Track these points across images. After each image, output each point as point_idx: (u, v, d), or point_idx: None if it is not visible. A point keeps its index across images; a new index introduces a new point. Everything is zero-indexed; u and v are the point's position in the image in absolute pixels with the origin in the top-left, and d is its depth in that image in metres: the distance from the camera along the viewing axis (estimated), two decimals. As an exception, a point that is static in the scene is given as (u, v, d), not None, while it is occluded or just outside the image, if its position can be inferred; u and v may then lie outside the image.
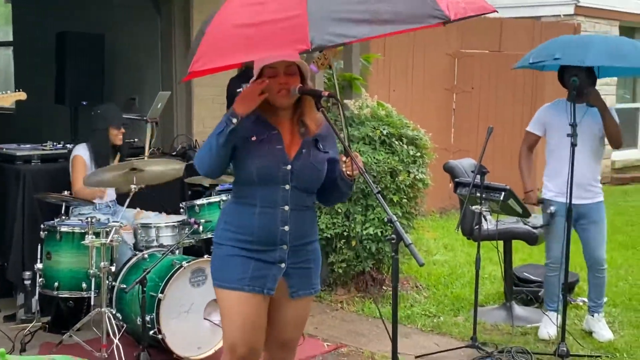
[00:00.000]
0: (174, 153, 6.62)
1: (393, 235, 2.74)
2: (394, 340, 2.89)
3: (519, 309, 5.50)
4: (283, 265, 3.08)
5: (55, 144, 5.74)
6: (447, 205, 9.86)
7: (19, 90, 4.99)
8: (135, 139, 6.19)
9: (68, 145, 5.79)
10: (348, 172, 3.02)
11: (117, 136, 5.29)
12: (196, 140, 6.82)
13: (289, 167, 3.04)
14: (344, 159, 3.02)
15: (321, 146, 3.14)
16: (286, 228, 3.05)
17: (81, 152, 5.18)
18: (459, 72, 10.24)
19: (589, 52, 4.69)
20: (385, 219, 2.76)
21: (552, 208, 4.90)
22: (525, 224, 5.29)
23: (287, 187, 3.04)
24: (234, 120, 2.91)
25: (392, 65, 9.06)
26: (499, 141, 10.03)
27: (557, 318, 5.02)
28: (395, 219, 2.75)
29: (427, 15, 2.77)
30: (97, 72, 7.34)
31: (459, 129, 10.23)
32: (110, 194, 5.30)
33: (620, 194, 11.16)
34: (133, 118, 6.17)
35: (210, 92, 7.12)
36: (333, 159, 3.16)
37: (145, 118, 6.19)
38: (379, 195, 2.83)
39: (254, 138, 3.01)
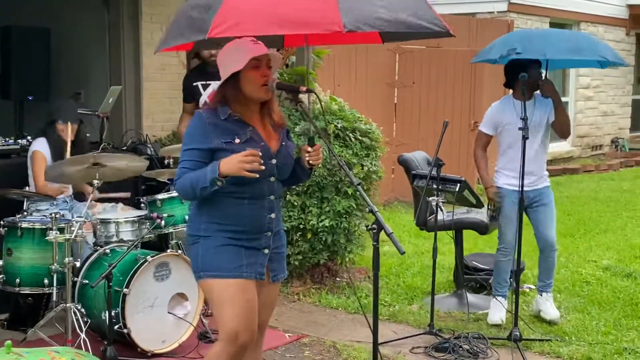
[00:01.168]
0: (124, 148, 6.59)
1: (374, 225, 2.86)
2: (375, 328, 2.99)
3: (470, 296, 5.68)
4: (267, 251, 3.22)
5: (7, 139, 5.65)
6: (390, 198, 10.05)
7: None
8: (88, 134, 6.12)
9: (20, 141, 5.71)
10: (311, 162, 3.16)
11: (63, 131, 5.21)
12: (147, 135, 6.80)
13: (274, 161, 3.15)
14: (308, 149, 3.15)
15: (289, 136, 3.32)
16: (272, 216, 3.19)
17: (40, 147, 5.12)
18: (400, 67, 10.45)
19: (549, 45, 4.92)
20: (367, 210, 2.87)
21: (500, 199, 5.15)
22: (491, 217, 5.47)
23: (273, 179, 3.17)
24: (219, 184, 2.98)
25: (336, 60, 9.18)
26: (439, 134, 10.26)
27: (505, 303, 5.26)
28: (377, 209, 2.87)
29: (432, 24, 3.10)
30: (43, 66, 7.21)
31: (401, 122, 10.44)
32: (69, 189, 5.26)
33: (553, 186, 11.52)
34: (85, 113, 6.10)
35: (159, 86, 7.11)
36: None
37: (97, 113, 6.15)
38: (360, 187, 2.95)
39: (237, 140, 3.08)
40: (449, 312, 5.52)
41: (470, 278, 6.01)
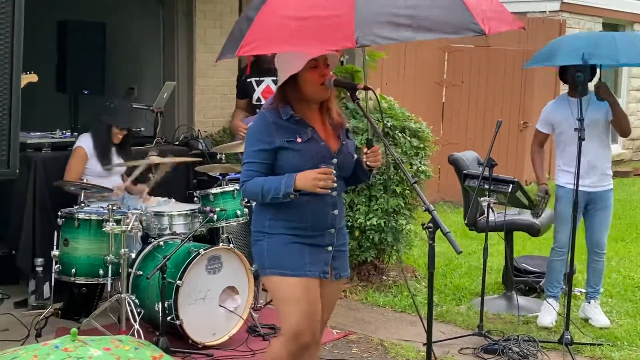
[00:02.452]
0: (177, 143, 6.68)
1: (430, 224, 2.87)
2: (429, 327, 2.98)
3: (520, 299, 5.64)
4: (330, 248, 3.23)
5: (63, 132, 5.76)
6: (435, 199, 10.00)
7: (30, 73, 5.03)
8: (142, 128, 6.23)
9: (75, 134, 5.82)
10: (369, 164, 3.17)
11: (116, 135, 5.28)
12: (198, 130, 6.88)
13: (335, 160, 3.18)
14: (365, 150, 3.16)
15: (349, 135, 3.33)
16: (335, 212, 3.21)
17: (84, 143, 5.22)
18: (449, 66, 10.40)
19: (619, 51, 4.88)
20: (423, 208, 2.87)
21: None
22: (535, 216, 5.40)
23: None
24: (292, 197, 3.05)
25: (384, 58, 9.16)
26: (489, 134, 10.18)
27: (557, 306, 5.21)
28: (433, 208, 2.87)
29: (464, 28, 2.91)
30: (98, 61, 7.32)
31: (448, 122, 10.39)
32: (117, 180, 5.34)
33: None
34: (139, 108, 6.21)
35: (211, 82, 7.19)
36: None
37: (151, 108, 6.24)
38: (415, 185, 2.95)
39: (299, 140, 3.12)
40: (498, 314, 5.48)
41: (520, 280, 5.96)
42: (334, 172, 3.06)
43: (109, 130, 5.25)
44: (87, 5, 7.69)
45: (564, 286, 5.27)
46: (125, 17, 7.55)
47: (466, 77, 10.38)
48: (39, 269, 5.07)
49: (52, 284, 4.80)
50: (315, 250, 3.19)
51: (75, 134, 5.83)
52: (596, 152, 5.05)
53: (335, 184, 3.06)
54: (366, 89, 3.15)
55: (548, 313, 5.23)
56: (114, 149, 5.33)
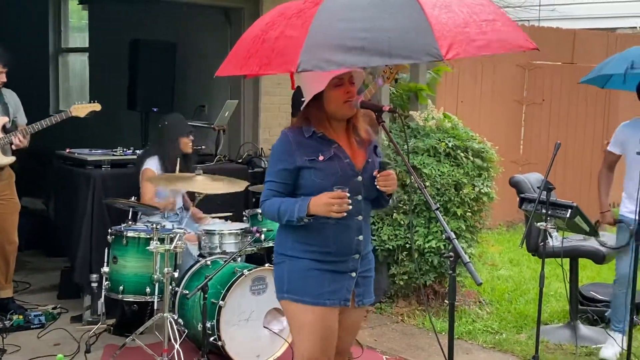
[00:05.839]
0: (240, 160, 6.71)
1: (451, 253, 2.73)
2: (450, 358, 2.84)
3: (584, 329, 5.37)
4: (354, 274, 3.12)
5: (125, 149, 5.87)
6: (514, 219, 9.70)
7: (94, 102, 5.17)
8: (203, 146, 6.28)
9: (138, 151, 5.91)
10: (379, 187, 3.05)
11: (187, 144, 5.37)
12: (262, 149, 6.90)
13: (359, 178, 3.07)
14: (375, 174, 3.06)
15: (378, 152, 3.20)
16: (360, 237, 3.10)
17: (152, 165, 5.26)
18: (529, 84, 10.08)
19: None
20: (444, 236, 2.74)
21: (632, 227, 4.75)
22: (602, 244, 5.14)
23: (359, 197, 3.06)
24: (305, 221, 2.97)
25: (460, 76, 8.98)
26: (570, 156, 9.84)
27: (622, 339, 4.91)
28: (454, 236, 2.73)
29: (423, 52, 2.72)
30: (168, 79, 7.47)
31: (528, 141, 10.07)
32: (178, 202, 5.39)
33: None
34: (201, 126, 6.27)
35: (276, 100, 7.21)
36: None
37: (212, 126, 6.29)
38: (438, 211, 2.82)
39: (321, 158, 3.02)
40: (559, 344, 5.22)
41: (587, 309, 5.67)
42: (348, 194, 2.92)
43: (178, 144, 5.31)
44: (158, 25, 7.87)
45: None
46: (194, 36, 7.67)
47: (547, 95, 10.05)
48: (94, 284, 5.15)
49: (103, 301, 4.86)
50: (337, 277, 3.08)
51: (137, 151, 5.93)
52: None
53: (351, 207, 2.94)
54: (392, 111, 3.05)
55: (612, 345, 4.94)
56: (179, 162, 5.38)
